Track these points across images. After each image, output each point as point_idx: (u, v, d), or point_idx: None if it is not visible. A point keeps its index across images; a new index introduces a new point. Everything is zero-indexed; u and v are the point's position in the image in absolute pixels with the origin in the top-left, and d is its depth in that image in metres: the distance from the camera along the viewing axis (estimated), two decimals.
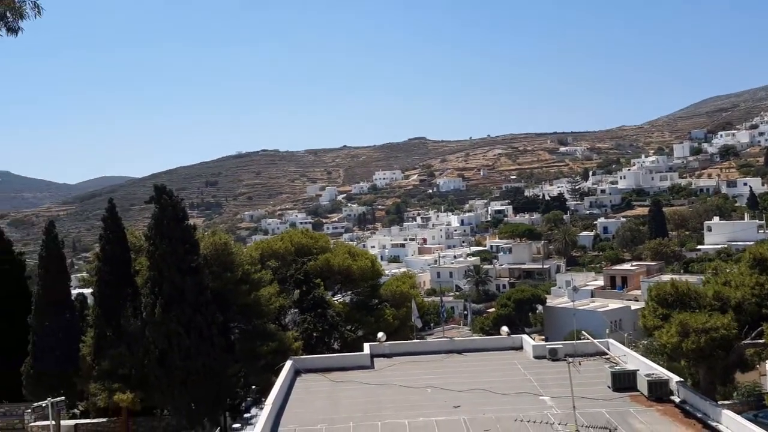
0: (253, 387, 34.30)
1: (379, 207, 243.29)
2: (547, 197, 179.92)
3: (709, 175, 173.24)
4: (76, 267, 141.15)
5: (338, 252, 42.73)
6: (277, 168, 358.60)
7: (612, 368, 22.28)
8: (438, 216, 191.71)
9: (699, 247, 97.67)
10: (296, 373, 25.74)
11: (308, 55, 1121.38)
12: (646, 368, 22.30)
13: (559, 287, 79.72)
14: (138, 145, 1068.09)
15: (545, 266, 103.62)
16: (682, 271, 76.07)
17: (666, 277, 48.22)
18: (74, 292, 36.49)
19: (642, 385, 20.92)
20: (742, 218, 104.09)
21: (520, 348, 28.09)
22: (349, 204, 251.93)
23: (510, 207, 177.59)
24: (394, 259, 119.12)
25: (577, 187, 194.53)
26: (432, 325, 65.46)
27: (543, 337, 59.02)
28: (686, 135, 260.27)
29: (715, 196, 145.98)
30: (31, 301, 31.79)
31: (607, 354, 25.28)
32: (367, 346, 28.75)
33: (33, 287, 32.82)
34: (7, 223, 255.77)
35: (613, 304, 61.73)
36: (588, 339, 26.56)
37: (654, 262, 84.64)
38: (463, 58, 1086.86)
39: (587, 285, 75.92)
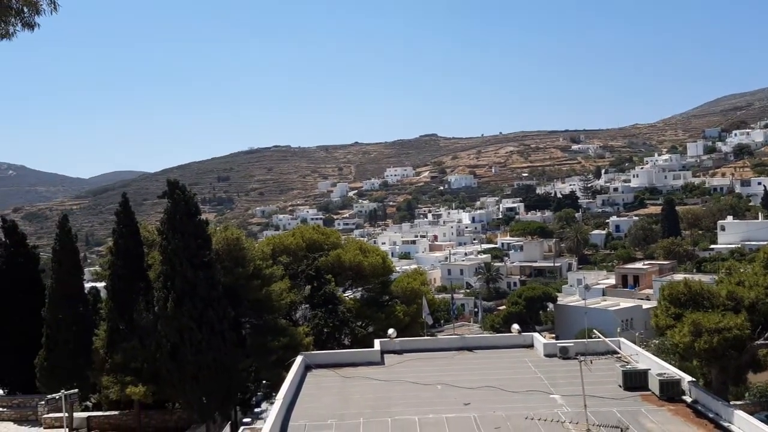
0: (264, 382, 34.44)
1: (390, 203, 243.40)
2: (559, 195, 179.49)
3: (723, 174, 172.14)
4: (89, 261, 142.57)
5: (349, 248, 42.64)
6: (288, 164, 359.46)
7: (623, 367, 22.19)
8: (449, 213, 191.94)
9: (712, 246, 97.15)
10: (307, 368, 25.84)
11: (321, 52, 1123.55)
12: (658, 368, 22.21)
13: (571, 285, 79.61)
14: (150, 141, 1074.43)
15: (556, 264, 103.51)
16: (694, 270, 75.65)
17: (678, 277, 47.95)
18: (87, 285, 36.73)
19: (653, 385, 20.82)
20: (756, 218, 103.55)
21: (530, 346, 28.05)
22: (360, 200, 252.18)
23: (522, 205, 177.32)
24: (405, 256, 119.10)
25: (589, 185, 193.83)
26: (442, 322, 65.48)
27: (554, 335, 58.93)
28: (700, 133, 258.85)
29: (729, 196, 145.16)
30: (45, 295, 32.05)
31: (618, 353, 25.17)
32: (377, 343, 28.83)
33: (47, 280, 33.04)
34: (21, 216, 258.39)
35: (625, 303, 61.56)
36: (599, 338, 26.47)
37: (666, 261, 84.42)
38: (474, 55, 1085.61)
39: (599, 283, 75.83)
